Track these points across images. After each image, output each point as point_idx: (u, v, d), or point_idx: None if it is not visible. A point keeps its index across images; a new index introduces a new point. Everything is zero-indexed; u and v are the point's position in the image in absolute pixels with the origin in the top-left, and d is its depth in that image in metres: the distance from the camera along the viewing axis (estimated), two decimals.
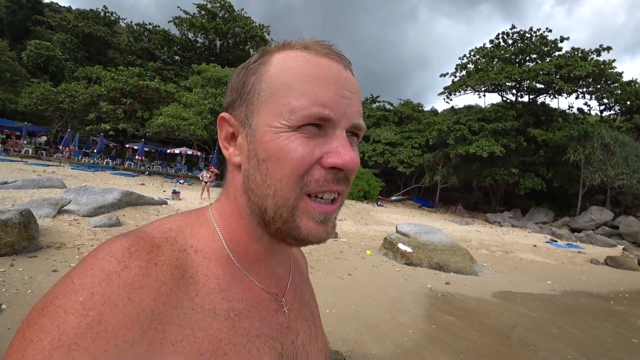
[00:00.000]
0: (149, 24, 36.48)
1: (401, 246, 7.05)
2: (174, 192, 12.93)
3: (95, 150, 20.52)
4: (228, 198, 0.52)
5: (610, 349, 3.99)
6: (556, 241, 15.54)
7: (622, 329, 4.66)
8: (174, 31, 33.11)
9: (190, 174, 20.91)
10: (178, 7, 32.84)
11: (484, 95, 26.66)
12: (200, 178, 14.77)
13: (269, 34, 32.87)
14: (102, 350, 0.33)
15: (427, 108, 38.03)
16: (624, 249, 15.68)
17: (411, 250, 6.89)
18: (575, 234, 18.21)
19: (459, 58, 25.89)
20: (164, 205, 10.35)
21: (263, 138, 0.45)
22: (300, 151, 0.43)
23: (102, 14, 37.38)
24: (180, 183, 17.66)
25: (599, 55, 21.23)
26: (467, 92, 24.85)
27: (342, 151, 0.44)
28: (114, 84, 21.50)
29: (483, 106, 26.85)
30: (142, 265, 0.39)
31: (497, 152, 19.26)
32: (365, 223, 13.50)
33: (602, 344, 4.10)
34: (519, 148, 21.42)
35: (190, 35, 33.25)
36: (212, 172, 19.05)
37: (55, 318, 0.34)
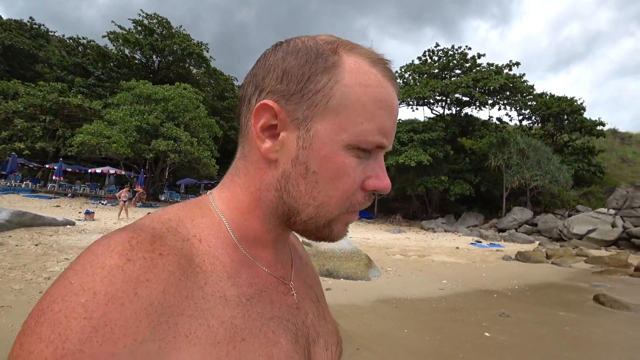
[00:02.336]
0: (83, 38, 34.56)
1: None
2: (87, 213, 12.11)
3: (6, 172, 18.76)
4: (246, 189, 0.48)
5: (445, 346, 3.74)
6: (480, 242, 16.43)
7: (481, 324, 4.56)
8: (112, 47, 31.72)
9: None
10: (112, 21, 31.59)
11: (417, 109, 28.20)
12: (118, 197, 13.98)
13: (207, 52, 32.54)
14: (111, 354, 0.30)
15: None
16: (539, 243, 16.96)
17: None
18: (500, 233, 19.43)
19: None
20: (69, 227, 9.60)
21: (321, 150, 0.43)
22: (352, 176, 0.44)
23: (28, 25, 34.84)
24: (102, 204, 16.57)
25: (510, 69, 23.37)
26: (400, 105, 25.99)
27: (382, 176, 0.46)
28: (31, 100, 19.95)
29: (422, 119, 28.39)
30: (146, 256, 0.36)
31: (425, 161, 20.31)
32: None
33: (440, 343, 3.81)
34: (448, 157, 22.75)
35: (126, 51, 32.00)
36: (138, 191, 18.14)
37: (56, 325, 0.30)
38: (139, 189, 18.38)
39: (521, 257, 11.97)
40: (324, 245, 7.49)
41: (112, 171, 19.92)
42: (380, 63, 0.46)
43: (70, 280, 0.33)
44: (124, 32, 30.34)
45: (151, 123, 18.74)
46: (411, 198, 26.01)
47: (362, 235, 15.43)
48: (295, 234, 0.55)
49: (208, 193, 0.51)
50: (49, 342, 0.30)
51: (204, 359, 0.36)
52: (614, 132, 37.70)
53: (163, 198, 22.30)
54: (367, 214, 25.95)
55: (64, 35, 36.87)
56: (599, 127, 26.38)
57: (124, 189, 13.64)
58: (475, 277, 7.96)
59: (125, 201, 13.14)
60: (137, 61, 32.68)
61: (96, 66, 31.05)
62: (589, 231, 17.29)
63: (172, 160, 19.02)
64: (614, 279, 9.50)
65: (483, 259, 11.48)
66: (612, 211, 18.93)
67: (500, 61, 24.54)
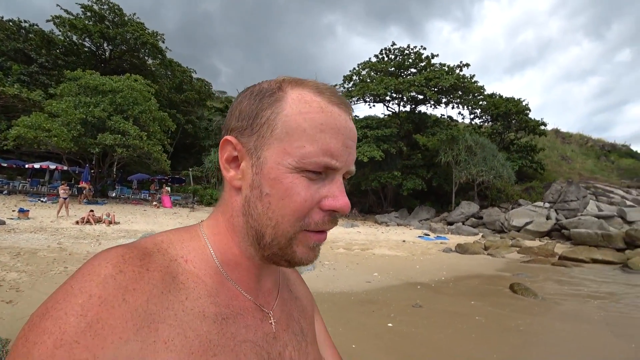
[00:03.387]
0: (25, 21, 31.92)
1: None
2: (21, 211, 11.41)
3: None
4: (224, 216, 0.53)
5: (343, 337, 3.87)
6: (428, 235, 17.18)
7: (389, 315, 4.72)
8: (59, 32, 29.55)
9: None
10: (57, 5, 29.47)
11: (373, 106, 28.84)
12: (58, 194, 13.28)
13: (163, 42, 31.26)
14: (100, 347, 0.35)
15: None
16: (482, 235, 18.01)
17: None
18: (449, 226, 20.40)
19: (350, 71, 27.70)
20: None
21: (270, 173, 0.47)
22: (303, 195, 0.46)
23: None
24: (42, 201, 15.64)
25: (461, 70, 24.48)
26: (356, 103, 26.66)
27: (339, 196, 0.48)
28: None
29: (380, 116, 28.99)
30: (135, 269, 0.42)
31: (378, 157, 20.92)
32: None
33: (340, 335, 3.85)
34: (402, 152, 23.54)
35: (74, 37, 30.03)
36: (83, 187, 17.29)
37: (57, 320, 0.36)
38: (84, 185, 17.50)
39: (460, 249, 12.68)
40: None
41: (52, 166, 18.78)
42: (327, 91, 0.50)
43: (72, 285, 0.39)
44: (72, 17, 28.49)
45: (97, 116, 17.82)
46: (367, 193, 26.66)
47: None
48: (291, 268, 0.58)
49: (200, 221, 0.57)
50: (51, 334, 0.35)
51: None
52: (556, 131, 40.49)
53: (114, 194, 21.37)
54: None
55: (2, 18, 33.96)
56: (542, 127, 28.24)
57: (62, 186, 12.98)
58: (407, 270, 8.36)
59: (65, 198, 12.50)
60: (86, 49, 30.81)
61: (40, 53, 28.86)
62: (527, 223, 18.58)
63: (119, 155, 18.23)
64: (536, 268, 10.32)
65: (424, 251, 12.04)
66: (547, 205, 20.43)
67: (463, 61, 25.42)
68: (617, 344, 4.29)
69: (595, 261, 11.76)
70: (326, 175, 0.48)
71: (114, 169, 20.83)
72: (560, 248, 14.04)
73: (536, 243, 15.60)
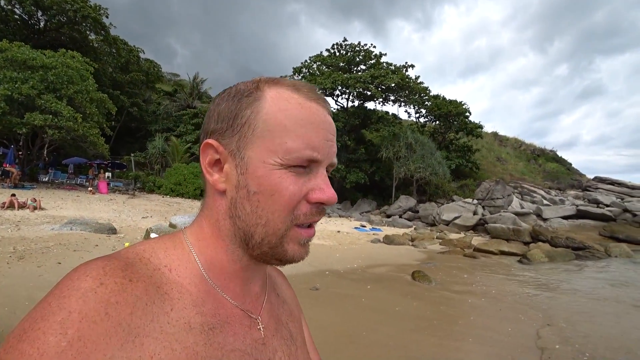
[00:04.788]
0: None
1: (152, 235, 7.26)
2: None
3: None
4: (208, 221, 0.53)
5: None
6: (365, 226, 18.11)
7: None
8: None
9: None
10: None
11: None
12: None
13: (107, 17, 29.41)
14: None
15: None
16: (414, 228, 19.34)
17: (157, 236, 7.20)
18: (386, 219, 21.59)
19: (301, 63, 27.98)
20: None
21: (256, 172, 0.48)
22: (291, 189, 0.47)
23: None
24: None
25: (406, 70, 25.73)
26: None
27: (325, 188, 0.49)
28: None
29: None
30: (117, 281, 0.40)
31: None
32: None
33: None
34: (347, 147, 24.39)
35: (2, 2, 27.34)
36: (10, 171, 16.19)
37: (35, 341, 0.34)
38: (9, 168, 16.36)
39: (387, 240, 13.63)
40: None
41: None
42: (304, 88, 0.51)
43: (49, 302, 0.37)
44: None
45: (25, 93, 16.64)
46: None
47: None
48: (278, 268, 0.63)
49: (183, 227, 0.57)
50: (29, 356, 0.32)
51: None
52: (495, 134, 43.61)
53: (46, 179, 20.10)
54: None
55: None
56: (479, 130, 30.42)
57: None
58: (326, 258, 8.96)
59: None
60: (17, 16, 28.22)
61: None
62: (455, 218, 20.17)
63: (50, 136, 17.21)
64: (448, 258, 11.42)
65: (353, 241, 12.81)
66: (475, 201, 22.26)
67: (408, 62, 26.54)
68: (462, 325, 5.12)
69: (502, 253, 13.19)
70: (310, 169, 0.49)
71: (45, 152, 19.55)
72: (477, 241, 15.51)
73: (460, 236, 17.09)
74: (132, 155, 25.87)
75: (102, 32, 29.68)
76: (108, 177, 21.90)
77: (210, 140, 0.51)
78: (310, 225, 0.52)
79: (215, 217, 0.52)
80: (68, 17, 28.21)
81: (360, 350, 3.71)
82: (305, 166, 0.49)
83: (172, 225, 8.15)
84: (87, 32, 30.18)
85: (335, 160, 0.53)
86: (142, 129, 30.79)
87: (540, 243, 15.06)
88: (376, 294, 6.06)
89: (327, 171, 0.53)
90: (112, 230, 8.86)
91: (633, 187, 29.75)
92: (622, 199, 26.17)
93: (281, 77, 0.55)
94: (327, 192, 0.49)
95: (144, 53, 34.18)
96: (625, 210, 22.57)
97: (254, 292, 0.57)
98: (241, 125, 0.49)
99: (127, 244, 7.53)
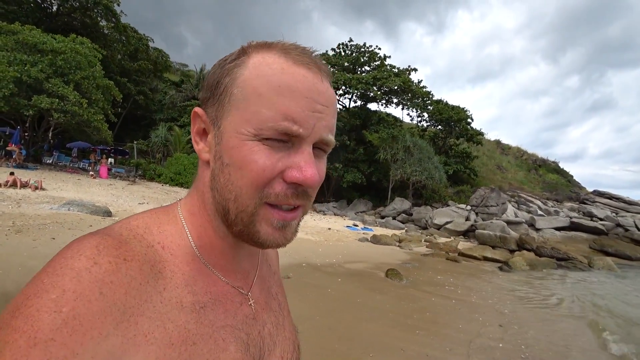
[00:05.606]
0: None
1: None
2: None
3: None
4: (197, 192, 0.53)
5: None
6: (357, 226, 18.45)
7: None
8: None
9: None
10: None
11: None
12: None
13: (119, 5, 29.87)
14: (80, 344, 0.34)
15: None
16: (406, 230, 19.64)
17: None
18: (380, 220, 21.92)
19: None
20: None
21: (229, 143, 0.46)
22: (260, 164, 0.44)
23: None
24: None
25: (409, 74, 25.99)
26: None
27: (304, 167, 0.44)
28: None
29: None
30: (111, 261, 0.40)
31: None
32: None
33: None
34: (346, 146, 24.73)
35: None
36: (13, 150, 16.73)
37: (29, 317, 0.33)
38: (13, 147, 16.91)
39: (374, 239, 13.96)
40: None
41: None
42: (294, 51, 0.47)
43: (42, 279, 0.36)
44: None
45: (34, 76, 17.15)
46: None
47: None
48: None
49: (179, 199, 0.56)
50: (22, 332, 0.33)
51: (158, 358, 0.40)
52: (497, 142, 43.69)
53: (49, 161, 20.66)
54: None
55: None
56: (479, 137, 30.58)
57: None
58: (308, 252, 9.32)
59: None
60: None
61: None
62: (447, 222, 20.46)
63: (56, 120, 17.72)
64: (430, 261, 11.69)
65: (340, 238, 13.16)
66: (469, 207, 22.52)
67: (411, 66, 26.83)
68: (415, 319, 5.48)
69: (485, 258, 13.45)
70: (292, 144, 0.46)
71: (50, 134, 20.10)
72: (464, 245, 15.80)
73: (448, 240, 17.39)
74: (134, 142, 26.39)
75: (113, 19, 30.16)
76: (110, 162, 22.42)
77: (196, 109, 0.51)
78: (294, 209, 0.48)
79: (201, 189, 0.52)
80: (80, 3, 28.70)
81: (310, 332, 4.09)
82: (285, 140, 0.45)
83: None
84: (98, 19, 30.66)
85: (327, 136, 0.48)
86: (147, 118, 31.32)
87: (525, 251, 15.32)
88: (344, 286, 6.42)
89: (321, 149, 0.49)
90: (108, 213, 9.29)
91: (630, 203, 29.84)
92: (617, 214, 26.28)
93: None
94: (305, 172, 0.45)
95: (153, 42, 34.62)
96: (618, 225, 22.75)
97: (245, 268, 0.57)
98: (220, 93, 0.47)
99: None
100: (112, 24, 30.61)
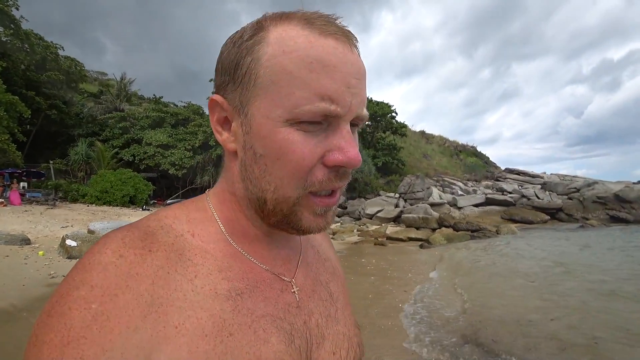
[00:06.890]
0: None
1: (68, 242, 7.54)
2: None
3: None
4: (227, 183, 0.51)
5: None
6: None
7: None
8: None
9: None
10: None
11: None
12: None
13: (17, 9, 27.02)
14: (108, 340, 0.33)
15: None
16: (341, 223, 20.75)
17: (75, 244, 7.46)
18: None
19: None
20: None
21: (260, 131, 0.42)
22: (299, 152, 0.41)
23: None
24: None
25: None
26: None
27: (345, 148, 0.42)
28: None
29: None
30: (137, 252, 0.39)
31: None
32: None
33: None
34: None
35: None
36: None
37: (62, 316, 0.34)
38: None
39: None
40: (105, 232, 8.12)
41: None
42: (318, 20, 0.43)
43: (74, 277, 0.37)
44: None
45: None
46: None
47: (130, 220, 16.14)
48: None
49: (207, 190, 0.53)
50: (57, 332, 0.33)
51: (191, 350, 0.38)
52: (422, 133, 47.26)
53: None
54: None
55: None
56: (403, 129, 32.99)
57: None
58: None
59: None
60: None
61: None
62: (378, 211, 22.00)
63: None
64: (359, 247, 12.72)
65: None
66: (398, 195, 24.38)
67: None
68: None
69: (410, 239, 14.86)
70: (328, 125, 0.42)
71: None
72: (392, 230, 17.23)
73: (381, 227, 18.78)
74: (51, 162, 24.34)
75: (12, 25, 27.26)
76: (23, 187, 20.53)
77: (214, 96, 0.46)
78: (333, 193, 0.46)
79: (230, 180, 0.50)
80: None
81: None
82: (320, 122, 0.42)
83: (90, 232, 8.36)
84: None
85: (364, 112, 0.45)
86: (64, 134, 28.89)
87: (444, 228, 17.17)
88: None
89: (355, 126, 0.46)
90: (26, 241, 8.81)
91: (533, 176, 34.30)
92: (522, 186, 30.12)
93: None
94: (348, 153, 0.42)
95: (63, 50, 31.88)
96: (523, 196, 26.15)
97: (284, 254, 0.54)
98: (242, 75, 0.43)
99: (41, 253, 7.70)
100: (11, 31, 27.68)
